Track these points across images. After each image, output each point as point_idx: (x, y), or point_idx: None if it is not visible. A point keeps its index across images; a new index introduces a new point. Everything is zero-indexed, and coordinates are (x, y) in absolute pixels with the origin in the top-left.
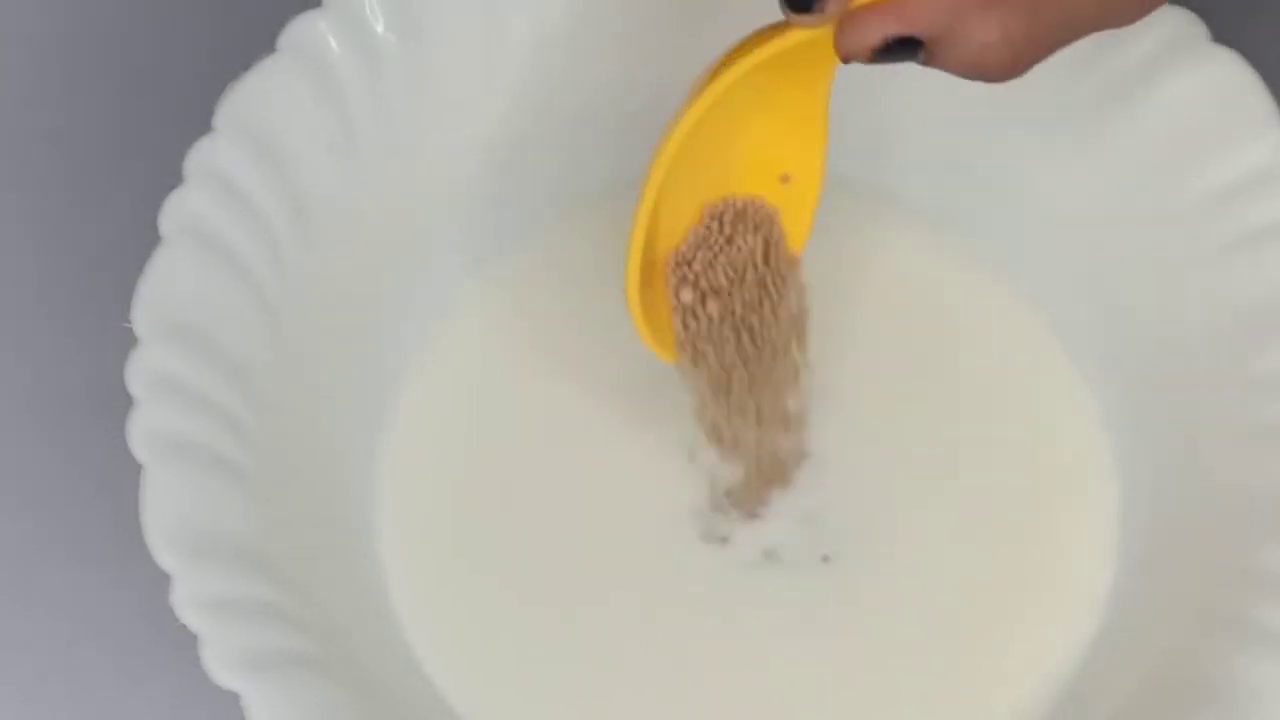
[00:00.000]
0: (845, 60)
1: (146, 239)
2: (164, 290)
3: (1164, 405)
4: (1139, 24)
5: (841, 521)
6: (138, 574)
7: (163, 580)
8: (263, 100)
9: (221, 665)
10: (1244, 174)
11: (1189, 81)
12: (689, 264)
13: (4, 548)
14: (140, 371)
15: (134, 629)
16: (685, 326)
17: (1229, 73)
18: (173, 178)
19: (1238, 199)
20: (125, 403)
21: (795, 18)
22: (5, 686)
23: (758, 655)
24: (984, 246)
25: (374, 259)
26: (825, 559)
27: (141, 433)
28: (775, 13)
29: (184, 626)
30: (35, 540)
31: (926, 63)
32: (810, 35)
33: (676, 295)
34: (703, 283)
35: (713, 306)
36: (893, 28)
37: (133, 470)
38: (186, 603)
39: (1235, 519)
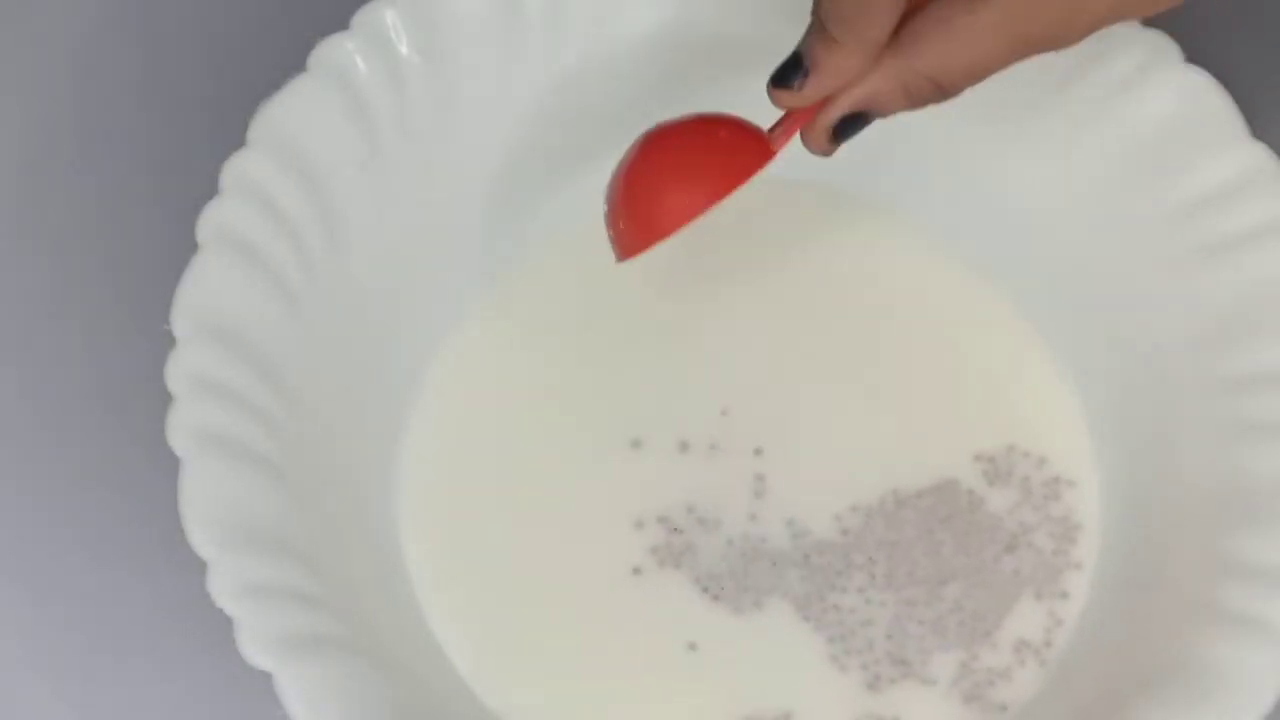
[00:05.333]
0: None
1: (184, 247)
2: (201, 294)
3: (1142, 403)
4: (1118, 43)
5: (826, 514)
6: (166, 570)
7: (188, 575)
8: (294, 116)
9: (255, 647)
10: (1214, 185)
11: (1163, 98)
12: None
13: (34, 545)
14: (179, 371)
15: (161, 622)
16: None
17: (1200, 90)
18: (209, 189)
19: (1209, 208)
20: (156, 403)
21: (776, 93)
22: (36, 679)
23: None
24: (971, 251)
25: (397, 265)
26: (807, 557)
27: (179, 428)
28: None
29: (207, 621)
30: (65, 538)
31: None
32: None
33: None
34: None
35: None
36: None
37: (163, 469)
38: (222, 588)
39: (1207, 509)
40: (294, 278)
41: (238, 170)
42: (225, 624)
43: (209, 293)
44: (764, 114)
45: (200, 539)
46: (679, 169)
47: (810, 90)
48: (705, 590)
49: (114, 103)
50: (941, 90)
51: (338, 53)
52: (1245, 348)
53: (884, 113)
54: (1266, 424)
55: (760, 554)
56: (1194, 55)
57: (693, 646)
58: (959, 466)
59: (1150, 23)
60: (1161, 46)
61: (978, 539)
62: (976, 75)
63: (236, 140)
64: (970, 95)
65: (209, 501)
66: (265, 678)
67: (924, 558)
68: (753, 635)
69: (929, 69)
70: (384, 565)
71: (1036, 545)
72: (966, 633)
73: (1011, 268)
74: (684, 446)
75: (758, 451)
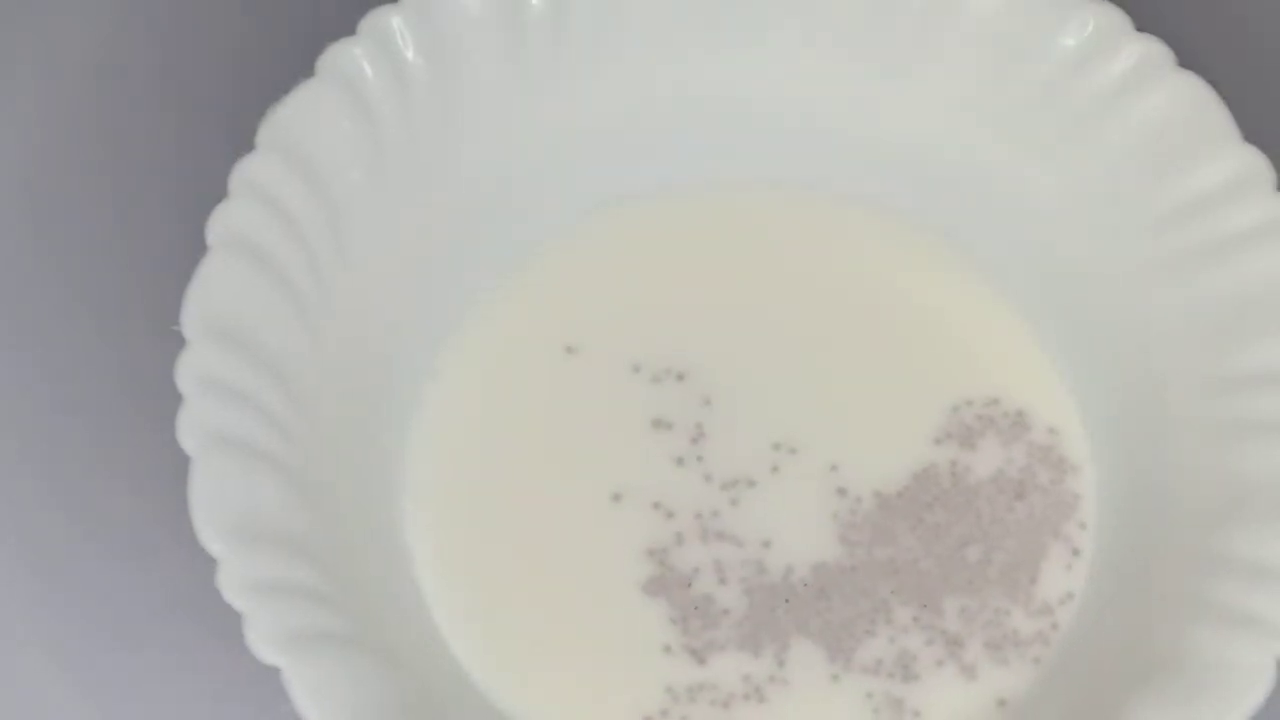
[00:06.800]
0: None
1: (194, 248)
2: (210, 295)
3: (1136, 402)
4: (1111, 49)
5: (826, 535)
6: (177, 566)
7: (199, 571)
8: (301, 121)
9: (264, 643)
10: (1208, 188)
11: (1157, 102)
12: None
13: (47, 541)
14: (188, 371)
15: (172, 618)
16: None
17: (1193, 94)
18: (218, 192)
19: (1202, 211)
20: (166, 403)
21: None
22: (47, 672)
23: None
24: (969, 253)
25: (403, 266)
26: (824, 592)
27: (189, 427)
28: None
29: (217, 617)
30: (77, 535)
31: None
32: None
33: None
34: None
35: None
36: None
37: (173, 468)
38: (232, 585)
39: (1201, 506)
40: (301, 279)
41: (246, 173)
42: (235, 620)
43: (218, 294)
44: None
45: (209, 536)
46: None
47: None
48: (714, 610)
49: (125, 107)
50: None
51: (344, 58)
52: (1239, 348)
53: None
54: (1260, 423)
55: (769, 588)
56: (1186, 60)
57: (711, 647)
58: (933, 450)
59: (1143, 28)
60: (1154, 51)
61: (984, 498)
62: None
63: (245, 144)
64: (966, 98)
65: (218, 499)
66: (274, 673)
67: (924, 545)
68: (770, 659)
69: None
70: (391, 563)
71: (1040, 484)
72: (1008, 583)
73: (1009, 267)
74: (689, 450)
75: (774, 469)
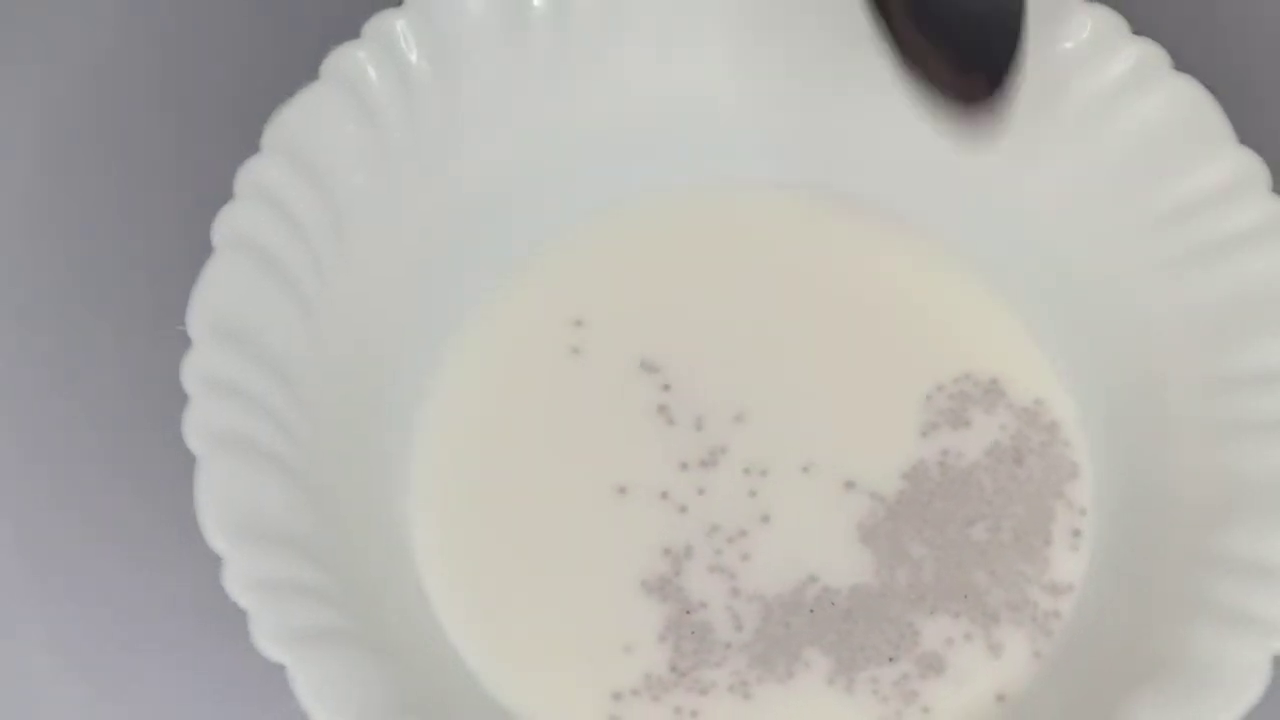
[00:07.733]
0: None
1: (198, 250)
2: (215, 296)
3: (1134, 402)
4: (1108, 52)
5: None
6: (183, 564)
7: (205, 569)
8: (306, 123)
9: (269, 640)
10: (1204, 189)
11: (1154, 105)
12: None
13: (54, 539)
14: (194, 371)
15: (178, 615)
16: None
17: (1189, 97)
18: (224, 194)
19: (1199, 212)
20: (172, 402)
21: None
22: (53, 669)
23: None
24: (968, 253)
25: (406, 268)
26: (849, 612)
27: (195, 427)
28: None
29: (224, 614)
30: (85, 533)
31: None
32: None
33: None
34: None
35: None
36: None
37: (179, 467)
38: (237, 583)
39: (1198, 505)
40: (306, 280)
41: (252, 176)
42: (240, 618)
43: (223, 295)
44: None
45: (215, 535)
46: None
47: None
48: (726, 629)
49: (132, 109)
50: None
51: (348, 61)
52: (1238, 348)
53: None
54: (1259, 423)
55: (782, 604)
56: (1182, 63)
57: (714, 647)
58: (920, 446)
59: (1140, 31)
60: (1151, 54)
61: (984, 471)
62: None
63: (251, 146)
64: None
65: (223, 499)
66: (278, 671)
67: (930, 545)
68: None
69: None
70: (394, 561)
71: (1033, 447)
72: (1024, 548)
73: (1006, 267)
74: (690, 463)
75: (763, 472)
